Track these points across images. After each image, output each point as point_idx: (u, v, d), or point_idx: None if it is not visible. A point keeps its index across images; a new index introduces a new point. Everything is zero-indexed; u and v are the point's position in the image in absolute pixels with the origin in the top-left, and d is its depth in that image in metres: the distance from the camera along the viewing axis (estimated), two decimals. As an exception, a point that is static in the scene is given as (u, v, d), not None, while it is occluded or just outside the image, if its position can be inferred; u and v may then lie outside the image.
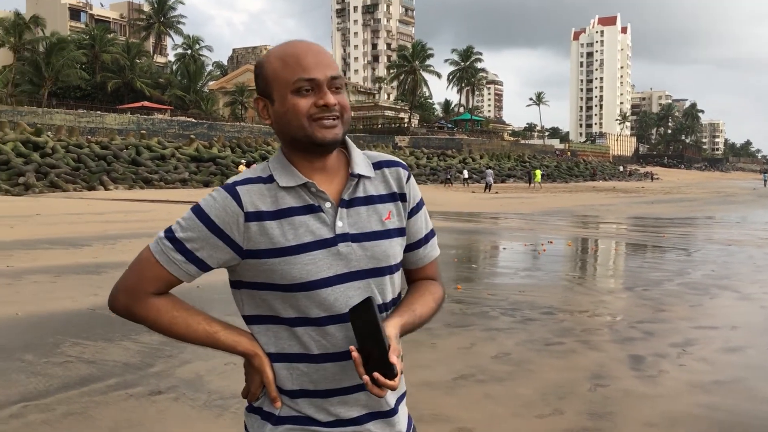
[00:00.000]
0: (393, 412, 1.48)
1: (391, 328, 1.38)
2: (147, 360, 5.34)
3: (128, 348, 5.68)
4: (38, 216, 18.47)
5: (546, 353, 5.74)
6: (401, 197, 1.52)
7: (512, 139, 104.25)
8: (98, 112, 50.02)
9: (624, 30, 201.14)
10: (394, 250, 1.48)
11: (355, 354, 1.32)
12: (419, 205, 1.56)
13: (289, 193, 1.41)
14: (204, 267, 1.42)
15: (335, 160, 1.48)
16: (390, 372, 1.30)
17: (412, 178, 1.56)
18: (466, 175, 54.89)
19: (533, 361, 5.49)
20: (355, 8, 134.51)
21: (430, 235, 1.61)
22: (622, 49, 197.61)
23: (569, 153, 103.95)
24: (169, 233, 1.42)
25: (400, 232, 1.51)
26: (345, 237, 1.42)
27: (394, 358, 1.31)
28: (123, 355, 5.46)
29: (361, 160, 1.49)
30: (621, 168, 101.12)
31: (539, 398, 4.58)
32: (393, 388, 1.31)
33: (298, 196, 1.42)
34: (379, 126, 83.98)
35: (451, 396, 4.62)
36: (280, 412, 1.45)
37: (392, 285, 1.50)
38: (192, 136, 49.74)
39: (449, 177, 53.32)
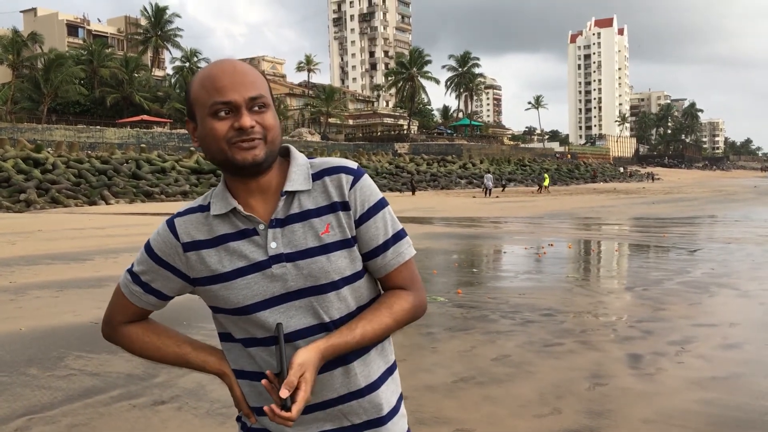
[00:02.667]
0: (360, 428, 1.46)
1: (303, 354, 1.33)
2: (150, 371, 5.38)
3: (131, 360, 5.73)
4: (40, 232, 18.53)
5: (545, 354, 5.79)
6: (342, 206, 1.42)
7: (512, 143, 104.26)
8: (98, 126, 50.27)
9: (621, 31, 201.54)
10: (335, 264, 1.40)
11: (264, 381, 1.34)
12: (372, 211, 1.44)
13: (222, 220, 1.42)
14: (163, 297, 1.52)
15: (274, 178, 1.43)
16: (284, 406, 1.27)
17: (363, 181, 1.44)
18: (490, 184, 45.49)
19: (533, 363, 5.53)
20: (352, 17, 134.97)
21: (392, 241, 1.47)
22: (619, 51, 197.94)
23: (569, 156, 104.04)
24: (131, 267, 1.53)
25: (343, 243, 1.41)
26: (279, 258, 1.39)
27: (284, 392, 1.27)
28: (126, 367, 5.51)
29: (298, 175, 1.42)
30: (621, 169, 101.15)
31: (538, 398, 4.63)
32: (288, 420, 1.27)
33: (230, 222, 1.42)
34: (379, 133, 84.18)
35: (452, 398, 4.67)
36: (251, 425, 1.51)
37: (341, 301, 1.42)
38: (192, 148, 49.86)
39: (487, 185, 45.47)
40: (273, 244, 1.39)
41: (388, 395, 1.50)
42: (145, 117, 59.25)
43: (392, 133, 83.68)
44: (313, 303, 1.40)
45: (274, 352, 1.38)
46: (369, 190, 1.45)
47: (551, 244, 14.62)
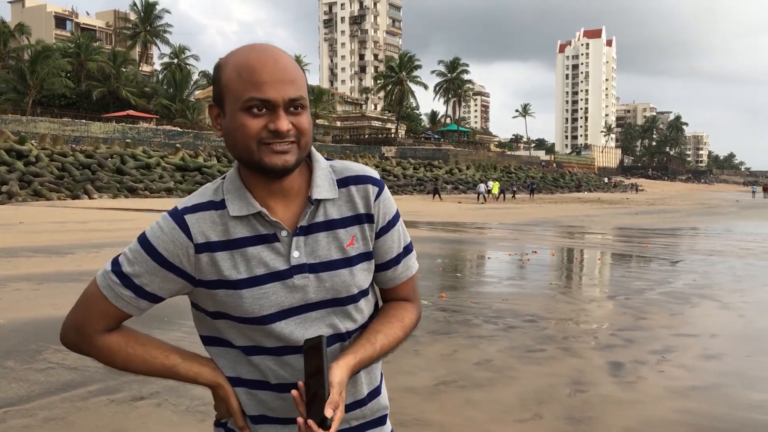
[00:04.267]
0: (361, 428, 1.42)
1: (339, 372, 1.26)
2: (129, 366, 5.33)
3: (111, 354, 5.67)
4: (21, 224, 18.35)
5: (527, 360, 5.79)
6: (368, 218, 1.37)
7: (499, 150, 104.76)
8: (83, 120, 49.85)
9: (609, 43, 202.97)
10: (357, 278, 1.35)
11: (294, 392, 1.22)
12: (390, 223, 1.40)
13: (241, 221, 1.30)
14: (156, 299, 1.33)
15: (296, 181, 1.34)
16: (323, 423, 1.19)
17: (385, 193, 1.40)
18: (483, 189, 46.82)
19: (514, 368, 5.54)
20: (343, 19, 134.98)
21: (403, 254, 1.44)
22: (607, 62, 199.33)
23: (555, 164, 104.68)
24: (116, 267, 1.31)
25: (365, 256, 1.37)
26: (302, 268, 1.30)
27: (329, 410, 1.19)
28: (105, 362, 5.45)
29: (324, 181, 1.34)
30: (606, 179, 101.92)
31: (519, 403, 4.63)
32: None
33: (250, 225, 1.30)
34: (366, 136, 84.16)
35: (433, 401, 4.66)
36: None
37: (357, 312, 1.38)
38: (177, 145, 49.67)
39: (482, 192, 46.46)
40: (296, 253, 1.30)
41: (385, 398, 1.50)
42: (132, 112, 58.85)
43: (380, 136, 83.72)
44: (331, 315, 1.34)
45: (303, 363, 1.26)
46: (390, 202, 1.41)
47: (535, 251, 14.67)
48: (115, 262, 1.32)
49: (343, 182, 1.36)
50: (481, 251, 15.49)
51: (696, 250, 16.14)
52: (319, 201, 1.33)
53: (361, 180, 1.37)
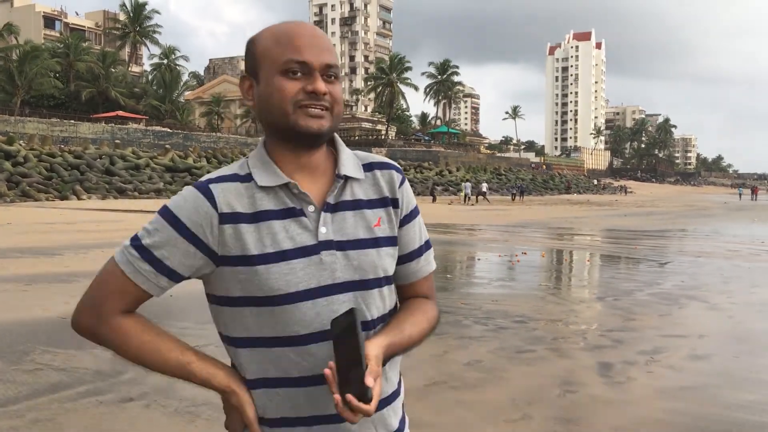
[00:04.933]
0: None
1: (374, 347, 1.22)
2: (118, 368, 5.30)
3: (99, 356, 5.64)
4: (9, 225, 18.22)
5: (517, 360, 5.81)
6: (393, 203, 1.36)
7: (488, 152, 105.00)
8: (72, 121, 49.53)
9: (598, 45, 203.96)
10: (383, 261, 1.33)
11: (327, 371, 1.17)
12: (413, 213, 1.40)
13: (268, 193, 1.27)
14: (175, 277, 1.27)
15: (323, 159, 1.33)
16: (364, 395, 1.14)
17: (407, 183, 1.40)
18: (469, 190, 46.57)
19: (504, 368, 5.55)
20: (333, 20, 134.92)
21: (425, 247, 1.44)
22: (596, 64, 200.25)
23: (544, 166, 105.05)
24: (135, 240, 1.26)
25: (390, 241, 1.35)
26: (329, 244, 1.27)
27: (369, 380, 1.15)
28: (94, 363, 5.42)
29: (350, 161, 1.34)
30: (595, 181, 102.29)
31: (509, 404, 4.64)
32: (367, 414, 1.15)
33: (277, 197, 1.27)
34: (357, 138, 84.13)
35: (423, 401, 4.66)
36: None
37: (381, 300, 1.33)
38: (167, 146, 49.46)
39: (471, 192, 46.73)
40: (323, 229, 1.27)
41: (401, 402, 1.44)
42: (121, 113, 58.56)
43: (370, 137, 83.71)
44: (357, 298, 1.29)
45: (333, 344, 1.21)
46: (411, 192, 1.42)
47: (524, 253, 14.71)
48: (135, 237, 1.27)
49: (368, 167, 1.37)
50: (471, 252, 15.52)
51: (684, 251, 16.22)
52: (346, 179, 1.32)
53: (385, 166, 1.39)
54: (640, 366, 5.68)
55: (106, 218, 21.47)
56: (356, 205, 1.32)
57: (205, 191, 1.26)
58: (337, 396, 1.15)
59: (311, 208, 1.28)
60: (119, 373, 5.17)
